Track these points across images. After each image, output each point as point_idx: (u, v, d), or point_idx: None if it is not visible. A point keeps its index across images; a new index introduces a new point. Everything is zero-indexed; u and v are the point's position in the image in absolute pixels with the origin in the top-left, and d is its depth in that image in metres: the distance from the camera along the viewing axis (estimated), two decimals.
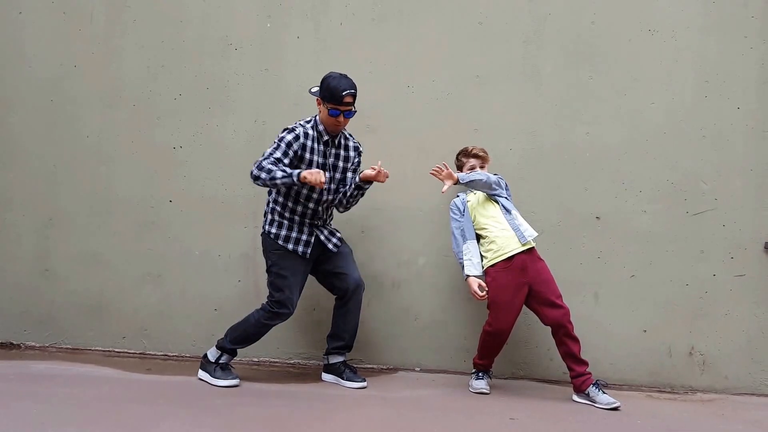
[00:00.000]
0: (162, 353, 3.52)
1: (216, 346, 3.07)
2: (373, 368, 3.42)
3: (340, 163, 3.07)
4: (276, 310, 2.98)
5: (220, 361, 3.03)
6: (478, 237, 3.12)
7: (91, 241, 3.59)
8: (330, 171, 3.01)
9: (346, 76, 2.95)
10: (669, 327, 3.31)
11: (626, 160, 3.37)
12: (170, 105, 3.58)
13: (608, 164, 3.38)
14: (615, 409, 2.85)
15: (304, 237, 3.00)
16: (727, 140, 3.33)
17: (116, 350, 3.55)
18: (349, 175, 3.10)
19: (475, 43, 3.46)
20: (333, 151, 3.04)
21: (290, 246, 2.98)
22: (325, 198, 3.00)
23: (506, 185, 3.18)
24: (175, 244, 3.55)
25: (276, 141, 2.94)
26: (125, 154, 3.59)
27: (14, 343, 3.60)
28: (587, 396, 2.93)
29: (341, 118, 2.94)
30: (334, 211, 3.19)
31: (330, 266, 3.08)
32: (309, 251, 2.99)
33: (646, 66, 3.38)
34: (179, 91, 3.58)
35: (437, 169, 3.01)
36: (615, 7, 3.40)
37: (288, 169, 2.83)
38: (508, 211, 3.07)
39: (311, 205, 3.00)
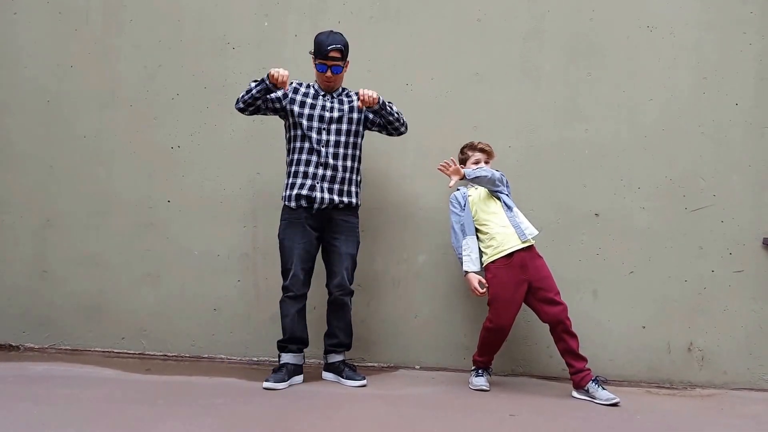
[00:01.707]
0: (161, 353, 3.52)
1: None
2: (373, 366, 3.42)
3: (345, 115, 3.07)
4: (283, 283, 3.03)
5: (281, 362, 3.05)
6: (478, 233, 3.12)
7: (90, 242, 3.58)
8: (334, 123, 3.04)
9: (334, 32, 3.03)
10: (668, 323, 3.32)
11: (625, 157, 3.37)
12: (168, 105, 3.57)
13: (607, 161, 3.38)
14: (614, 404, 2.86)
15: (294, 192, 3.00)
16: (726, 136, 3.33)
17: (115, 351, 3.55)
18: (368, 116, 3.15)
19: (473, 40, 3.46)
20: (335, 104, 3.08)
21: (285, 202, 3.03)
22: (324, 138, 3.01)
23: (507, 182, 3.18)
24: (173, 245, 3.54)
25: None
26: (123, 154, 3.58)
27: (13, 344, 3.59)
28: (587, 392, 2.94)
29: (329, 74, 3.01)
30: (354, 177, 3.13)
31: (326, 260, 3.11)
32: (299, 203, 2.99)
33: (645, 62, 3.38)
34: (177, 91, 3.57)
35: (445, 164, 3.03)
36: (613, 4, 3.40)
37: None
38: (509, 208, 3.08)
39: (306, 145, 3.01)
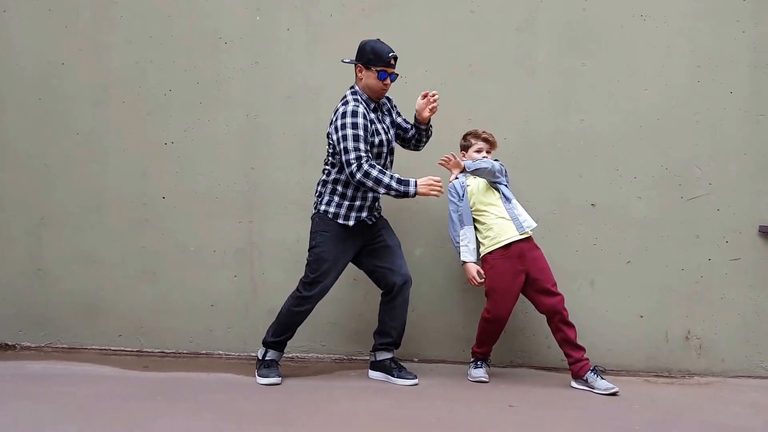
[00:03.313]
0: (159, 350, 3.51)
1: (262, 342, 3.07)
2: None
3: (389, 124, 3.08)
4: (305, 293, 2.94)
5: (266, 358, 3.02)
6: (476, 223, 3.12)
7: (85, 239, 3.56)
8: (388, 133, 3.03)
9: (381, 40, 3.01)
10: (665, 312, 3.32)
11: (620, 147, 3.37)
12: (160, 101, 3.55)
13: (602, 151, 3.38)
14: (613, 394, 2.87)
15: (353, 213, 2.95)
16: (721, 125, 3.33)
17: (113, 348, 3.53)
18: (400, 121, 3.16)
19: (467, 32, 3.44)
20: (382, 116, 3.05)
21: (340, 221, 2.93)
22: (383, 163, 3.00)
23: (506, 172, 3.18)
24: (169, 241, 3.53)
25: (348, 127, 2.83)
26: (116, 151, 3.56)
27: (9, 344, 3.57)
28: (585, 382, 2.94)
29: (388, 81, 2.96)
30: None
31: (376, 260, 3.04)
32: (355, 224, 2.95)
33: (639, 52, 3.37)
34: (169, 87, 3.55)
35: (446, 158, 3.03)
36: None
37: (399, 177, 2.85)
38: (508, 199, 3.08)
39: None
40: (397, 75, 3.02)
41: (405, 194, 2.85)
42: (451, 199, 3.15)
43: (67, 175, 3.58)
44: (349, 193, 2.95)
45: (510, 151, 3.38)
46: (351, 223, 2.94)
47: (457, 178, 3.18)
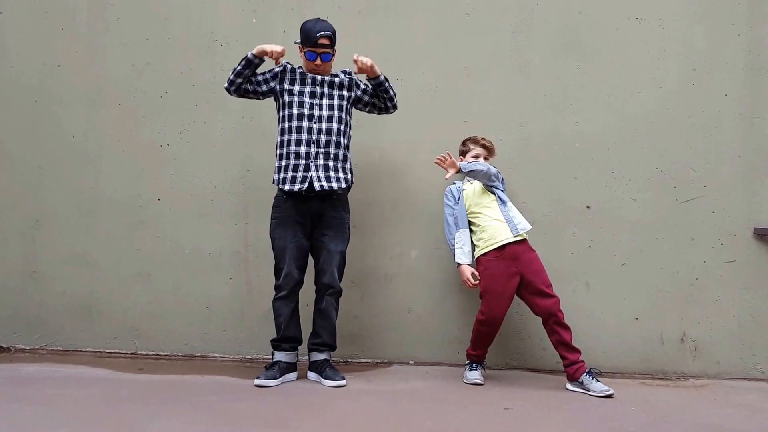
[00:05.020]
0: (154, 353, 3.50)
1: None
2: (368, 362, 3.41)
3: (335, 92, 3.03)
4: (275, 283, 2.99)
5: (273, 360, 3.02)
6: (471, 226, 3.13)
7: (80, 241, 3.55)
8: (325, 98, 3.00)
9: (321, 19, 3.01)
10: (660, 314, 3.33)
11: (615, 149, 3.38)
12: (156, 103, 3.55)
13: (597, 153, 3.39)
14: (609, 396, 2.87)
15: (289, 174, 2.95)
16: (716, 127, 3.34)
17: (107, 351, 3.52)
18: (356, 94, 3.10)
19: (463, 34, 3.45)
20: (325, 81, 3.03)
21: (279, 185, 2.97)
22: (317, 114, 2.97)
23: (503, 179, 3.19)
24: (164, 243, 3.52)
25: None
26: (112, 153, 3.56)
27: (3, 346, 3.56)
28: (581, 384, 2.94)
29: (319, 62, 2.97)
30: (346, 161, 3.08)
31: (314, 255, 3.04)
32: (295, 188, 2.93)
33: (634, 54, 3.38)
34: (165, 89, 3.55)
35: (442, 157, 3.04)
36: None
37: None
38: (503, 202, 3.09)
39: (295, 123, 2.96)
40: (332, 55, 3.01)
41: (250, 61, 2.94)
42: (447, 202, 3.17)
43: (62, 177, 3.57)
44: (284, 151, 2.98)
45: (505, 153, 3.38)
46: (287, 187, 2.93)
47: (454, 183, 3.19)
